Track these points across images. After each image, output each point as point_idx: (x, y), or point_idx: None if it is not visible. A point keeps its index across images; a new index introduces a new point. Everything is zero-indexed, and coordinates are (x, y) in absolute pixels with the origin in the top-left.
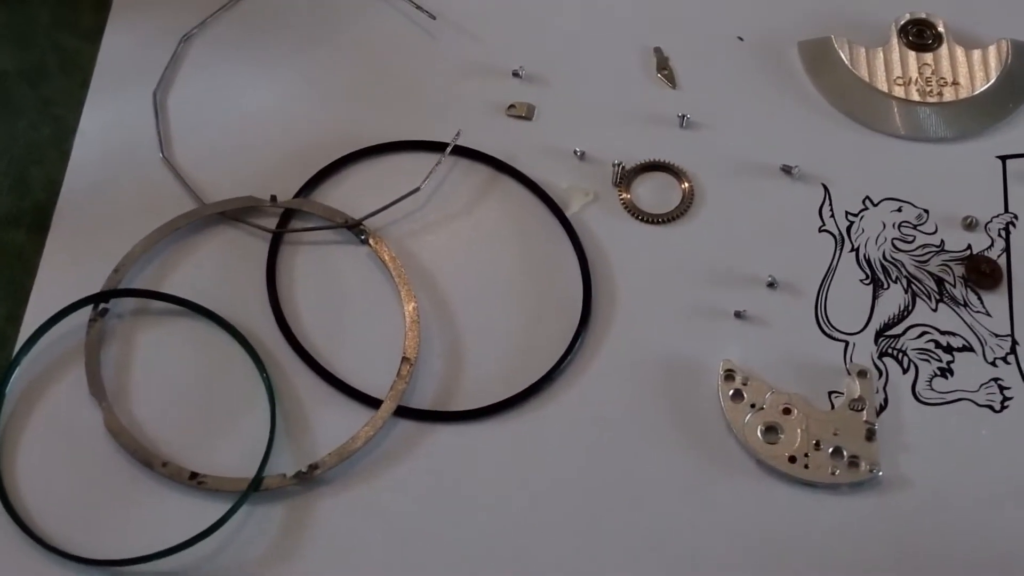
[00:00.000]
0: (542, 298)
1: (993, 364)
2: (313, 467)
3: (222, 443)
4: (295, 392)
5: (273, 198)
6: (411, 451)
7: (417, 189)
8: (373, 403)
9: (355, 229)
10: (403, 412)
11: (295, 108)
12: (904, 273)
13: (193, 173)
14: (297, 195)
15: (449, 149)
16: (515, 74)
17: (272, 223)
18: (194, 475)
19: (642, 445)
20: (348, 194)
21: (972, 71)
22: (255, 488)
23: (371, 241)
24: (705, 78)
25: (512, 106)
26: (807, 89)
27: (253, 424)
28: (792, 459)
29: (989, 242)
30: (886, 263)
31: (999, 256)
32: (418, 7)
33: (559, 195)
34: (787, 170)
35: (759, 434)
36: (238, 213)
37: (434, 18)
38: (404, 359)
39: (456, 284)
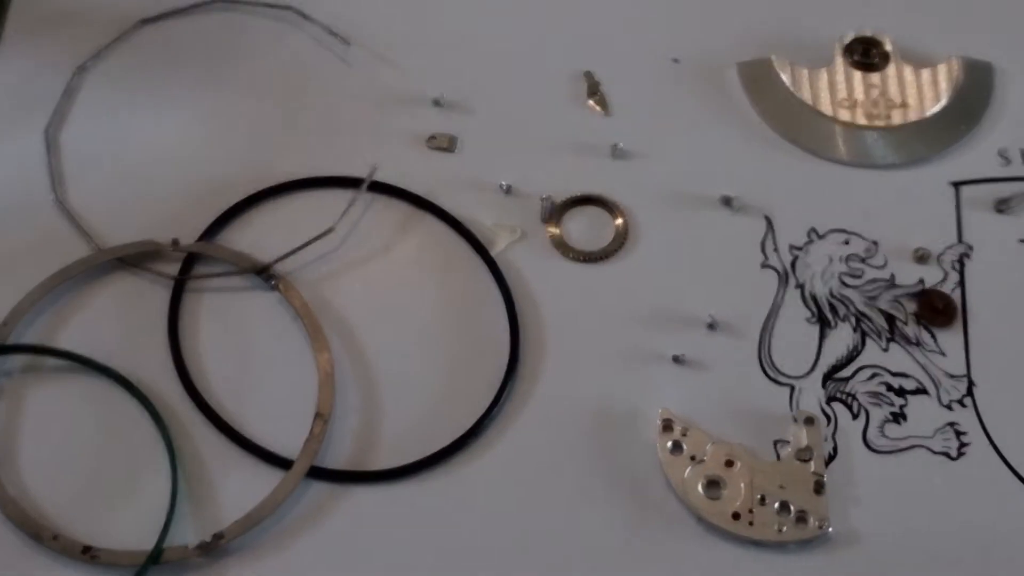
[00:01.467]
0: (466, 344)
1: (948, 407)
2: (218, 536)
3: (119, 512)
4: (199, 454)
5: (175, 242)
6: (326, 516)
7: (331, 229)
8: (284, 464)
9: (264, 274)
10: (317, 473)
11: (199, 144)
12: (852, 311)
13: (88, 216)
14: (201, 238)
15: (365, 185)
16: (436, 102)
17: (174, 269)
18: (87, 548)
19: (575, 502)
20: (256, 236)
21: (922, 92)
22: (154, 561)
23: (281, 287)
24: (639, 104)
25: (433, 137)
26: (747, 113)
27: (153, 490)
28: (736, 516)
29: (942, 275)
30: (833, 300)
31: (953, 290)
32: (331, 32)
33: (483, 233)
34: (727, 201)
35: (700, 489)
36: (137, 259)
37: (348, 44)
38: (317, 415)
39: (374, 331)
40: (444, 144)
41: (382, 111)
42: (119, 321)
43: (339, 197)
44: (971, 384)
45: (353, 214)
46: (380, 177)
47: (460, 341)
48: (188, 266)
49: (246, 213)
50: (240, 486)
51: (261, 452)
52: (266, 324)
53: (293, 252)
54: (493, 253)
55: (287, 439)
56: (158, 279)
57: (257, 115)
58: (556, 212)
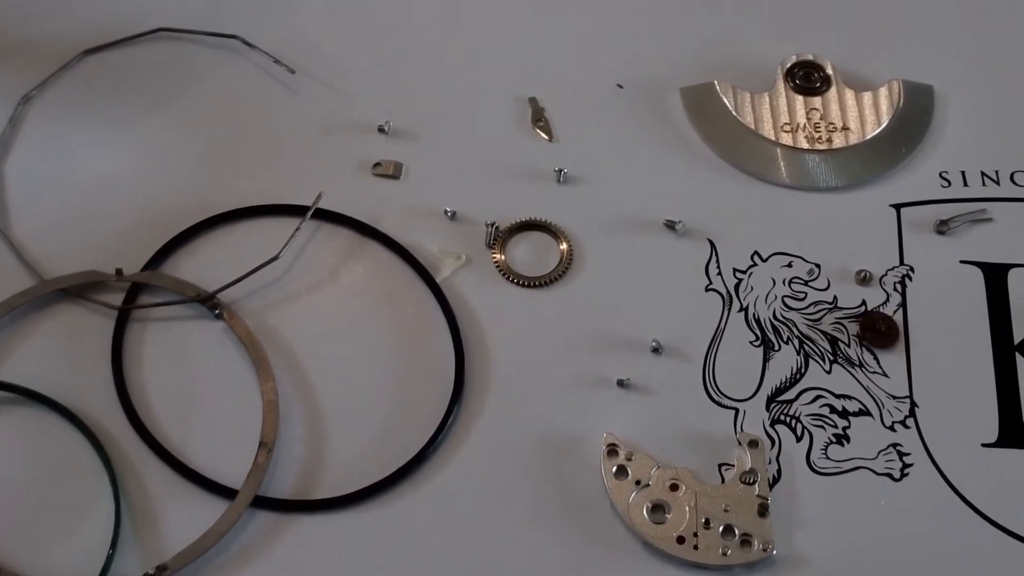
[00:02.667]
0: (412, 371)
1: (891, 428)
2: (162, 568)
3: (61, 546)
4: (143, 485)
5: (119, 272)
6: (271, 545)
7: (276, 257)
8: (228, 494)
9: (208, 303)
10: (261, 502)
11: (144, 173)
12: (796, 333)
13: (32, 247)
14: (145, 268)
15: (309, 213)
16: (381, 129)
17: (118, 299)
18: None
19: (521, 528)
20: (201, 265)
21: (863, 115)
22: None
23: (226, 315)
24: (584, 129)
25: (378, 164)
26: (691, 138)
27: (96, 522)
28: (681, 540)
29: (884, 297)
30: (777, 323)
31: (895, 311)
32: (276, 61)
33: (428, 259)
34: (671, 225)
35: (645, 513)
36: (81, 289)
37: (293, 72)
38: (262, 444)
39: (319, 359)
40: (389, 171)
41: (328, 139)
42: (62, 352)
43: (284, 225)
44: (913, 405)
45: (298, 242)
46: (325, 204)
47: (405, 368)
48: (132, 296)
49: (191, 242)
50: (184, 516)
51: (205, 482)
52: (211, 353)
53: (237, 281)
54: (438, 279)
55: (232, 469)
56: (101, 309)
57: (202, 144)
58: (501, 238)
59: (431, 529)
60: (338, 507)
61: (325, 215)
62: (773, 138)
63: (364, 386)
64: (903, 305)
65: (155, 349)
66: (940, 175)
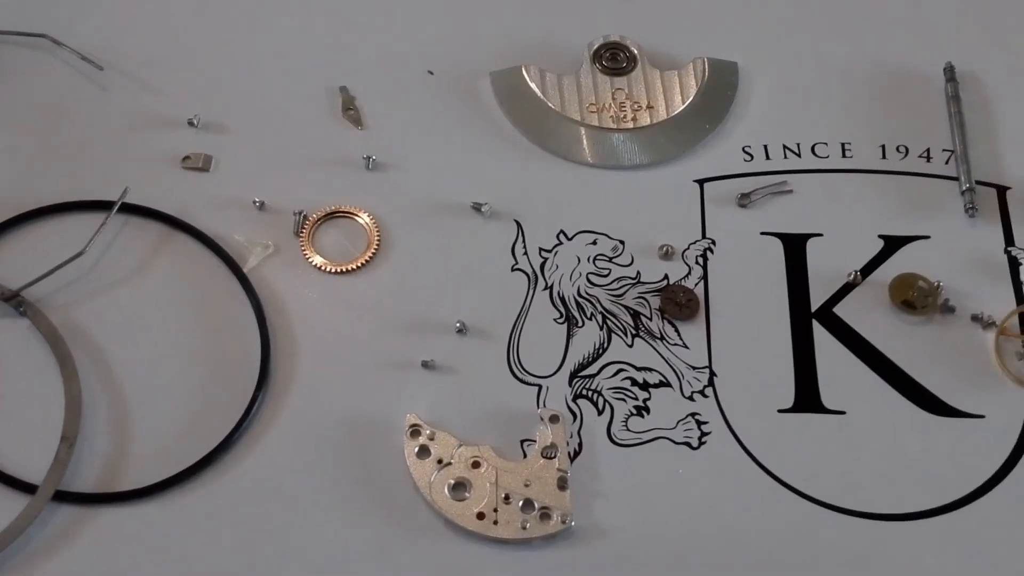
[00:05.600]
0: (218, 361)
1: (691, 399)
2: None
3: None
4: None
5: None
6: (72, 539)
7: (81, 253)
8: (29, 489)
9: (12, 301)
10: (64, 497)
11: None
12: (599, 309)
13: None
14: None
15: (115, 208)
16: (190, 123)
17: None
18: None
19: (327, 511)
20: (6, 263)
21: (667, 93)
22: None
23: (30, 313)
24: (394, 116)
25: (187, 157)
26: (500, 121)
27: None
28: (481, 516)
29: (687, 270)
30: (581, 299)
31: (696, 285)
32: (84, 58)
33: (236, 249)
34: (478, 208)
35: (447, 492)
36: None
37: (101, 69)
38: (63, 438)
39: (126, 352)
40: (199, 164)
41: (137, 134)
42: None
43: (92, 221)
44: (712, 375)
45: (106, 237)
46: (134, 199)
47: (213, 358)
48: None
49: None
50: None
51: (5, 478)
52: (15, 351)
53: (41, 278)
54: (245, 269)
55: (35, 465)
56: None
57: (8, 142)
58: (309, 226)
59: (236, 516)
60: (140, 498)
61: (133, 209)
62: (579, 119)
63: (171, 378)
64: (704, 278)
65: None
66: (743, 149)
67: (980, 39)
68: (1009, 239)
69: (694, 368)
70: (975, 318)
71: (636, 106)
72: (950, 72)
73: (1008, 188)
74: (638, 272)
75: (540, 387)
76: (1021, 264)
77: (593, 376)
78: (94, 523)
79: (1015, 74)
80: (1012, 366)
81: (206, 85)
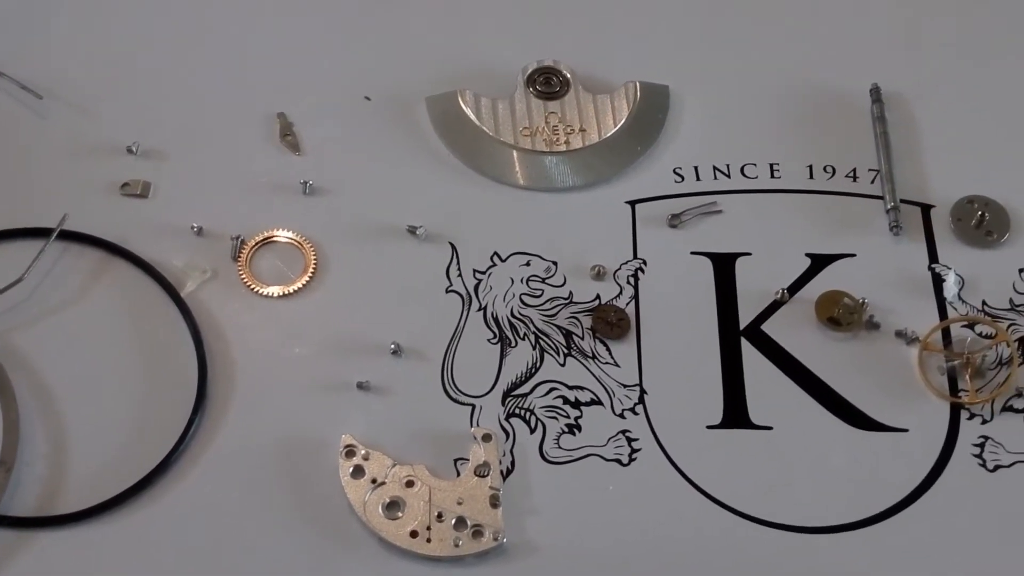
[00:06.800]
0: (156, 385)
1: (621, 416)
2: None
3: None
4: None
5: None
6: (11, 563)
7: (20, 280)
8: None
9: None
10: (1, 520)
11: None
12: (532, 329)
13: None
14: None
15: (54, 235)
16: (129, 150)
17: None
18: None
19: (263, 531)
20: None
21: (600, 116)
22: None
23: None
24: (331, 142)
25: (126, 184)
26: (436, 145)
27: None
28: (414, 534)
29: (618, 290)
30: (514, 320)
31: (628, 304)
32: (22, 87)
33: (175, 274)
34: (413, 231)
35: (381, 511)
36: None
37: (40, 97)
38: (0, 463)
39: (64, 377)
40: (138, 190)
41: (76, 161)
42: None
43: (31, 248)
44: (643, 392)
45: (45, 264)
46: (73, 226)
47: (151, 382)
48: None
49: None
50: None
51: None
52: None
53: None
54: (183, 294)
55: None
56: None
57: None
58: (247, 250)
59: (173, 538)
60: (78, 521)
61: (72, 236)
62: (513, 142)
63: (109, 402)
64: (636, 297)
65: None
66: (674, 171)
67: (905, 60)
68: (933, 256)
69: (625, 386)
70: (899, 334)
71: (569, 129)
72: (876, 93)
73: (932, 206)
74: (571, 292)
75: (474, 406)
76: (944, 281)
77: (526, 395)
78: (32, 547)
79: (940, 94)
80: (935, 381)
81: (145, 112)
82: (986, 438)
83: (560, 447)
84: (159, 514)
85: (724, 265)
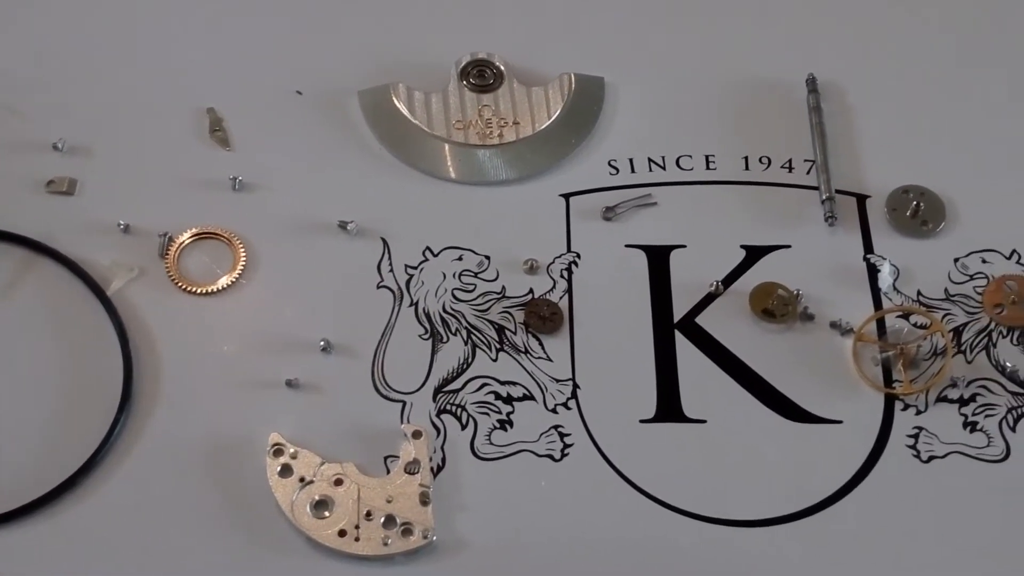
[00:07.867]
0: (81, 385)
1: (554, 411)
2: None
3: None
4: None
5: None
6: None
7: None
8: None
9: None
10: None
11: None
12: (464, 324)
13: None
14: None
15: None
16: (55, 147)
17: None
18: None
19: (190, 531)
20: None
21: (534, 109)
22: None
23: None
24: (262, 136)
25: (51, 181)
26: (368, 140)
27: None
28: (342, 533)
29: (551, 284)
30: (446, 315)
31: (561, 298)
32: None
33: (100, 273)
34: (343, 226)
35: (309, 510)
36: None
37: None
38: None
39: None
40: (63, 188)
41: (0, 158)
42: None
43: None
44: (576, 387)
45: None
46: None
47: (75, 381)
48: None
49: None
50: None
51: None
52: None
53: None
54: (109, 292)
55: None
56: None
57: None
58: (175, 248)
59: (99, 539)
60: (1, 524)
61: None
62: (445, 136)
63: (33, 401)
64: (569, 291)
65: None
66: (609, 163)
67: (841, 50)
68: (868, 247)
69: (557, 381)
70: (833, 325)
71: (502, 122)
72: (812, 83)
73: (868, 196)
74: (503, 287)
75: (404, 403)
76: (879, 271)
77: (457, 391)
78: None
79: (875, 84)
80: (869, 372)
81: (71, 108)
82: (920, 429)
83: (492, 443)
84: (84, 515)
85: (659, 258)
